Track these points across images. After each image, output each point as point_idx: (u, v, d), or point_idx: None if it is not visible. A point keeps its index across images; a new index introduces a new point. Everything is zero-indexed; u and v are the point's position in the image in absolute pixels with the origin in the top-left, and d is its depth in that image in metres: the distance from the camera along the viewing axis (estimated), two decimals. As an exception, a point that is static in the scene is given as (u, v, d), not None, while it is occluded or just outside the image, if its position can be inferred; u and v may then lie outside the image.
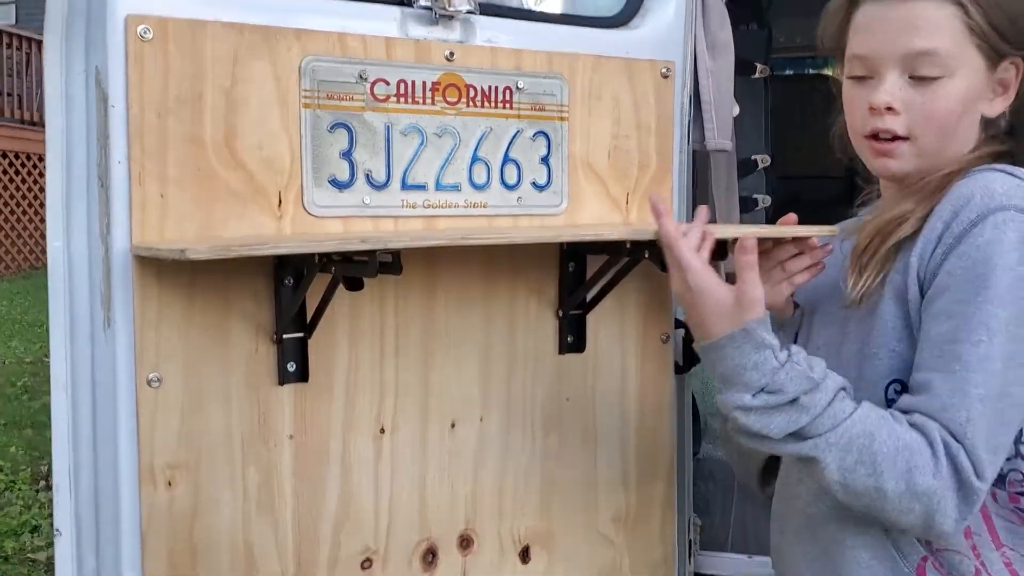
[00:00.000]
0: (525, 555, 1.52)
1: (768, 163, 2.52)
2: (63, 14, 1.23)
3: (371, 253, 0.99)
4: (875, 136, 1.19)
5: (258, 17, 1.25)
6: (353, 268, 1.04)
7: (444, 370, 1.42)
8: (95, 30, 1.21)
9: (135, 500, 1.20)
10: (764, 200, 2.50)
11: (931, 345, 1.08)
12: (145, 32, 1.18)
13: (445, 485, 1.43)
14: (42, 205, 8.77)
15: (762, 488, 1.42)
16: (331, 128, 1.31)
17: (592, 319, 1.54)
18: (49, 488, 1.30)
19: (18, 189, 9.63)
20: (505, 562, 1.50)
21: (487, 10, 1.46)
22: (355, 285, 1.08)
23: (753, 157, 2.46)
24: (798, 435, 1.08)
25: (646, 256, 1.33)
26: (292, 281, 1.27)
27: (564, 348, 1.52)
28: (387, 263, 0.99)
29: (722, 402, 1.13)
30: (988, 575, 1.12)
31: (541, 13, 1.60)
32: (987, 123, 1.21)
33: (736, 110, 2.20)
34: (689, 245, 1.17)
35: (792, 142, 3.45)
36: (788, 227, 1.31)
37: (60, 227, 1.26)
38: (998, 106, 1.20)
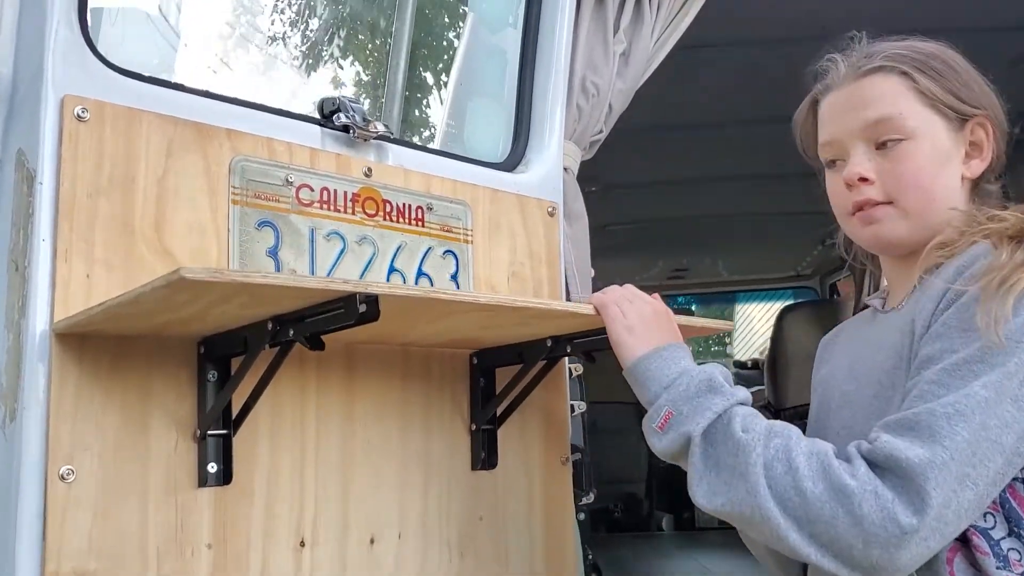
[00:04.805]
0: None
1: (581, 371, 2.33)
2: (-15, 100, 1.19)
3: (351, 297, 0.97)
4: (859, 209, 1.21)
5: (191, 115, 1.27)
6: (326, 321, 1.01)
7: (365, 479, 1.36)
8: (23, 111, 1.18)
9: (35, 614, 1.04)
10: (580, 406, 2.28)
11: None
12: (82, 112, 1.16)
13: (366, 606, 1.33)
14: None
15: None
16: (258, 226, 1.31)
17: (501, 436, 1.54)
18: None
19: None
20: None
21: (396, 142, 1.54)
22: (318, 344, 1.04)
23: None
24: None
25: (568, 351, 1.38)
26: (216, 375, 1.21)
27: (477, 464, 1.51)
28: (365, 312, 0.97)
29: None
30: None
31: (442, 151, 1.70)
32: (978, 189, 1.23)
33: (593, 273, 2.36)
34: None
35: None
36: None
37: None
38: (976, 168, 1.22)
